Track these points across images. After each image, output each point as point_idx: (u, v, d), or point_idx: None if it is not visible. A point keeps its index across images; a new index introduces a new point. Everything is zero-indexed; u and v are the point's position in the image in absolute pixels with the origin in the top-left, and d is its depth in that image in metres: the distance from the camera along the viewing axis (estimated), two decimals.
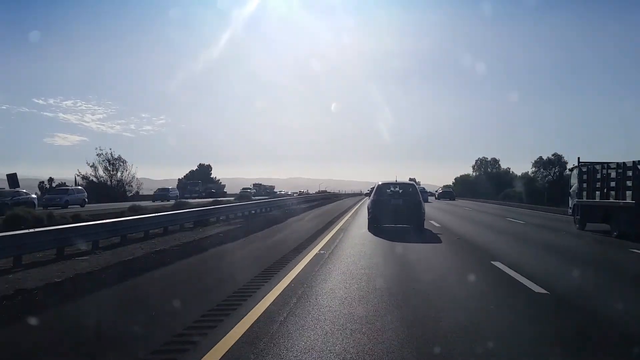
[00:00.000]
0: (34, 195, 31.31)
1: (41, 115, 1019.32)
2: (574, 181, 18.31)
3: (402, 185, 17.11)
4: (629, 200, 13.78)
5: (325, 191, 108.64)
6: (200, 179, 75.64)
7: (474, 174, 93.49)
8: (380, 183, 16.75)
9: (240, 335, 4.65)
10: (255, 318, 5.24)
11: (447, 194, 59.74)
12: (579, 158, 17.88)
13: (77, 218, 16.37)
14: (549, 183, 68.28)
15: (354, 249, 11.39)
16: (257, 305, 5.75)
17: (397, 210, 15.19)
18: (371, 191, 17.57)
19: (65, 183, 54.12)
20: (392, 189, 16.33)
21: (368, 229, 15.44)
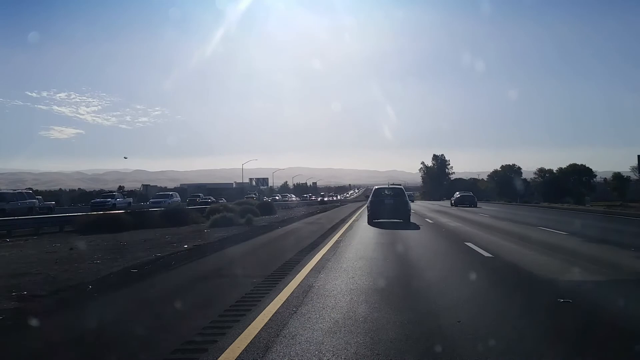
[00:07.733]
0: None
1: (35, 109, 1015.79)
2: None
3: (393, 189, 21.40)
4: None
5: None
6: None
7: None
8: (376, 187, 21.11)
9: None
10: None
11: (467, 199, 45.41)
12: None
13: None
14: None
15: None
16: None
17: (389, 207, 19.40)
18: (369, 194, 21.69)
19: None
20: (385, 192, 20.64)
21: (368, 222, 19.24)
